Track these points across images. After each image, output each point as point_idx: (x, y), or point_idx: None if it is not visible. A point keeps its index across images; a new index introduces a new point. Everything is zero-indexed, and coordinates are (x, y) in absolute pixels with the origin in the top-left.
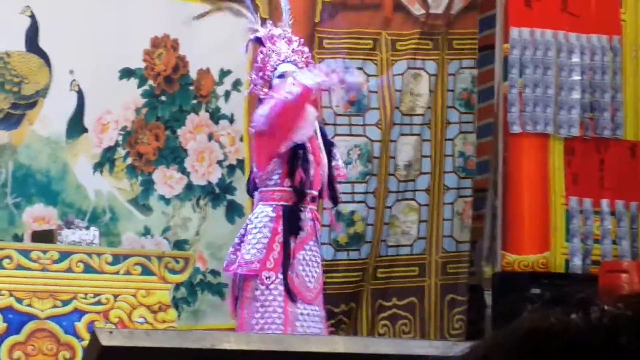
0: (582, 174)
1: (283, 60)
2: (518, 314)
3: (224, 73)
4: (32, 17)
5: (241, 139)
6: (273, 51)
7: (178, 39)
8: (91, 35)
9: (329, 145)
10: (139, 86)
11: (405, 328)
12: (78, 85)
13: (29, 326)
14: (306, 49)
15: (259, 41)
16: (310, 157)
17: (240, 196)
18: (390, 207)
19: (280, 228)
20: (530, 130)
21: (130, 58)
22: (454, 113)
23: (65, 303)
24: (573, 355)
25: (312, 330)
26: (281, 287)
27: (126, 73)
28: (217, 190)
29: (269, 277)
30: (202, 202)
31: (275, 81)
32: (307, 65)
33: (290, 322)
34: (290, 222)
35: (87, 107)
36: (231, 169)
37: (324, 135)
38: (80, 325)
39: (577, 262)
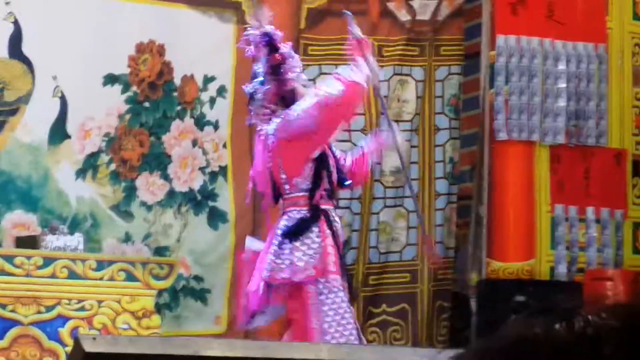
0: (568, 181)
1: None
2: (503, 322)
3: (208, 79)
4: (16, 22)
5: (224, 146)
6: (294, 65)
7: (164, 45)
8: (75, 41)
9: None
10: (123, 92)
11: (397, 335)
12: (61, 92)
13: (13, 332)
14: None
15: (272, 48)
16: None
17: (223, 203)
18: (377, 214)
19: (327, 231)
20: (516, 137)
21: (115, 64)
22: (443, 119)
23: (49, 309)
24: None
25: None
26: (344, 290)
27: (110, 79)
28: (199, 197)
29: (336, 280)
30: (183, 209)
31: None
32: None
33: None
34: (328, 224)
35: (70, 114)
36: (213, 175)
37: None
38: (64, 331)
39: (562, 269)
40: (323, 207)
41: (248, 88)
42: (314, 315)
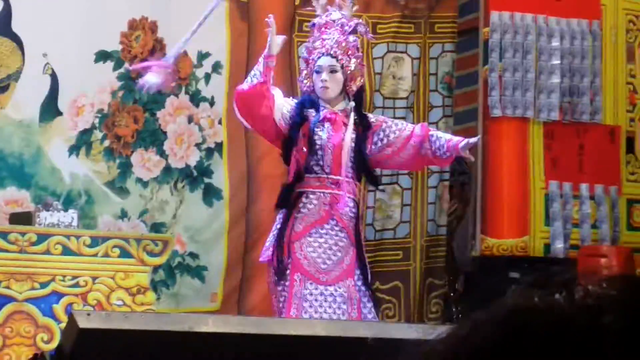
0: (562, 158)
1: (324, 54)
2: (497, 298)
3: (203, 55)
4: (5, 0)
5: (220, 122)
6: (320, 40)
7: (157, 21)
8: (66, 19)
9: (366, 128)
10: (115, 69)
11: (389, 312)
12: (52, 69)
13: (7, 308)
14: (352, 39)
15: (314, 27)
16: (321, 140)
17: (218, 179)
18: (373, 191)
19: (290, 216)
20: (510, 114)
21: (107, 41)
22: (437, 96)
23: (44, 285)
24: (557, 334)
25: (327, 311)
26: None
27: (102, 56)
28: (195, 173)
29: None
30: (179, 185)
31: (314, 76)
32: (351, 57)
33: (298, 304)
34: (278, 199)
35: (62, 91)
36: (209, 152)
37: (362, 116)
38: (59, 308)
39: (558, 245)
40: (300, 189)
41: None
42: (272, 294)
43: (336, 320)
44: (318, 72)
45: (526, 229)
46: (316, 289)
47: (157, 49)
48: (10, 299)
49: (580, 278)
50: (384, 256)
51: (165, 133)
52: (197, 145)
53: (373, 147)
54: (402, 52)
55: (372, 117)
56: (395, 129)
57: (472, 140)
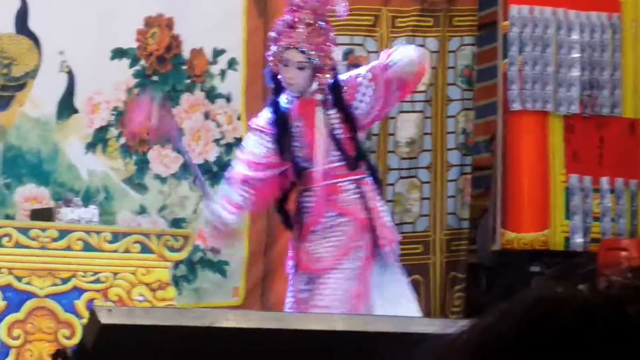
0: (582, 151)
1: (291, 46)
2: (517, 292)
3: (218, 52)
4: None
5: (239, 118)
6: (288, 29)
7: (173, 18)
8: (83, 16)
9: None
10: (131, 66)
11: None
12: (68, 66)
13: (29, 304)
14: (322, 26)
15: None
16: (299, 140)
17: None
18: (392, 185)
19: None
20: (530, 107)
21: (123, 38)
22: (455, 90)
23: (65, 281)
24: (582, 323)
25: (324, 297)
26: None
27: (118, 53)
28: (215, 169)
29: None
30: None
31: (281, 67)
32: (321, 51)
33: (297, 300)
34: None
35: (78, 88)
36: (229, 147)
37: (343, 108)
38: (80, 304)
39: (578, 239)
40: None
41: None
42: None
43: (356, 315)
44: (285, 65)
45: (546, 222)
46: (310, 278)
47: (173, 46)
48: (31, 295)
49: (603, 269)
50: (404, 250)
51: (180, 130)
52: (216, 141)
53: (360, 113)
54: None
55: (344, 89)
56: (369, 85)
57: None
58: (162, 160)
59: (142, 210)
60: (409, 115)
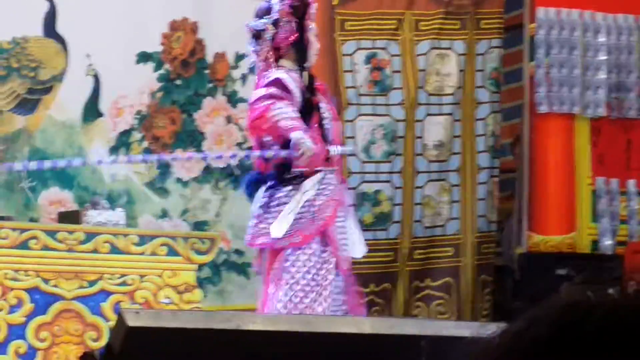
0: (608, 154)
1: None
2: (545, 295)
3: (240, 57)
4: (51, 1)
5: None
6: (313, 13)
7: (197, 22)
8: (109, 20)
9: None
10: (155, 70)
11: (441, 308)
12: (94, 70)
13: (56, 306)
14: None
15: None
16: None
17: None
18: (421, 187)
19: None
20: (557, 110)
21: (148, 42)
22: (484, 93)
23: (92, 284)
24: (612, 328)
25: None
26: None
27: (143, 57)
28: (237, 172)
29: None
30: (221, 184)
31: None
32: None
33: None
34: None
35: (103, 92)
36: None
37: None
38: (107, 306)
39: (606, 242)
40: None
41: (256, 24)
42: None
43: (384, 318)
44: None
45: (573, 225)
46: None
47: (197, 50)
48: (59, 298)
49: (630, 273)
50: (435, 253)
51: (202, 134)
52: (239, 144)
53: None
54: (446, 49)
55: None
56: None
57: None
58: (184, 164)
59: (164, 214)
60: (436, 118)
